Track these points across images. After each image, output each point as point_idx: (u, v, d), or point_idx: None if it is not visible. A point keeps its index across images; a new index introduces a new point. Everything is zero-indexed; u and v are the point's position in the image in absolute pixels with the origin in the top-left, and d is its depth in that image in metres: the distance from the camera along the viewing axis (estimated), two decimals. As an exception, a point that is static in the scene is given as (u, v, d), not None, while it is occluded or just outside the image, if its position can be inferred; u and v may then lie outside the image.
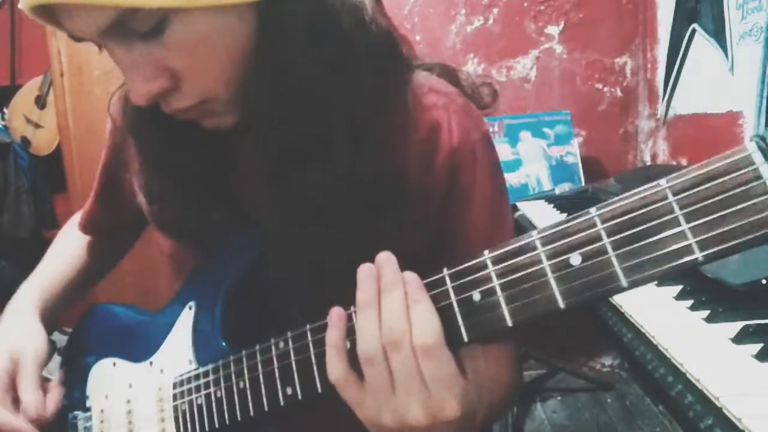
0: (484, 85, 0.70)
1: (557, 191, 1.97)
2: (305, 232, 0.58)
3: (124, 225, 0.87)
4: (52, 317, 0.77)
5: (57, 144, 2.40)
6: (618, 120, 2.27)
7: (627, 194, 0.37)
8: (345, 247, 0.55)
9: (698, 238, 0.34)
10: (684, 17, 1.84)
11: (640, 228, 0.36)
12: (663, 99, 2.03)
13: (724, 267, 0.84)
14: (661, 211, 0.36)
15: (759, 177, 0.33)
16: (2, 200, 2.47)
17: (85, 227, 0.89)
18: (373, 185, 0.57)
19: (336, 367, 0.47)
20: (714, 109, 1.72)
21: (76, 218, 0.92)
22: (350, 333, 0.48)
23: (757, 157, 0.33)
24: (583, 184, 2.04)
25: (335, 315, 0.49)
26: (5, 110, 2.61)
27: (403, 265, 0.47)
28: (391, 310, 0.45)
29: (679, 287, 0.84)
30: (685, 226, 0.35)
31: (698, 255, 0.34)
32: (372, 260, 0.48)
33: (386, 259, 0.47)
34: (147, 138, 0.64)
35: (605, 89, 2.26)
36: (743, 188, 0.33)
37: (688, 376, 0.61)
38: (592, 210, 0.38)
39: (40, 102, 2.53)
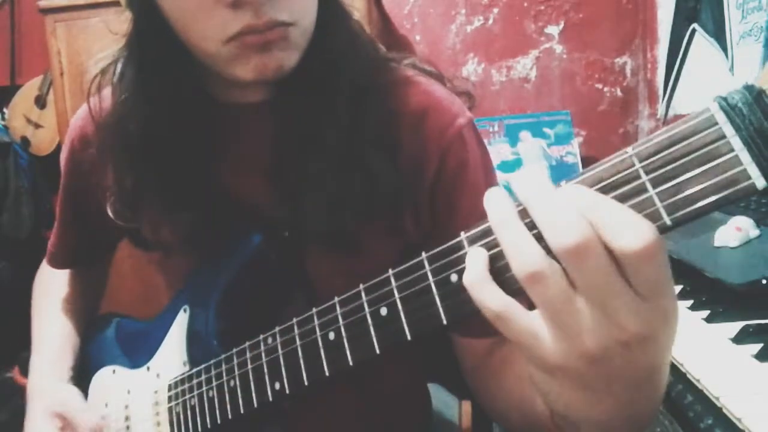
0: (461, 93, 0.72)
1: (557, 191, 1.97)
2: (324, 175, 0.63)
3: (99, 245, 0.87)
4: (74, 373, 0.80)
5: (57, 144, 2.40)
6: (618, 120, 2.27)
7: (594, 165, 0.36)
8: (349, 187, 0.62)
9: (665, 203, 0.34)
10: (684, 17, 1.84)
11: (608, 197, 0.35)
12: (663, 99, 2.02)
13: (724, 267, 0.84)
14: (628, 178, 0.35)
15: (723, 137, 0.32)
16: (2, 200, 2.47)
17: (58, 260, 0.87)
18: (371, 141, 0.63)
19: (495, 297, 0.38)
20: (714, 109, 1.72)
21: (44, 270, 0.90)
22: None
23: (720, 117, 0.33)
24: (583, 184, 2.04)
25: (474, 253, 0.40)
26: (5, 110, 2.61)
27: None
28: (560, 210, 0.34)
29: (679, 287, 0.84)
30: (651, 191, 0.34)
31: (666, 219, 0.34)
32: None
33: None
34: (134, 126, 0.66)
35: (605, 89, 2.26)
36: (708, 149, 0.33)
37: (688, 376, 0.61)
38: (563, 182, 0.37)
39: (40, 102, 2.53)
